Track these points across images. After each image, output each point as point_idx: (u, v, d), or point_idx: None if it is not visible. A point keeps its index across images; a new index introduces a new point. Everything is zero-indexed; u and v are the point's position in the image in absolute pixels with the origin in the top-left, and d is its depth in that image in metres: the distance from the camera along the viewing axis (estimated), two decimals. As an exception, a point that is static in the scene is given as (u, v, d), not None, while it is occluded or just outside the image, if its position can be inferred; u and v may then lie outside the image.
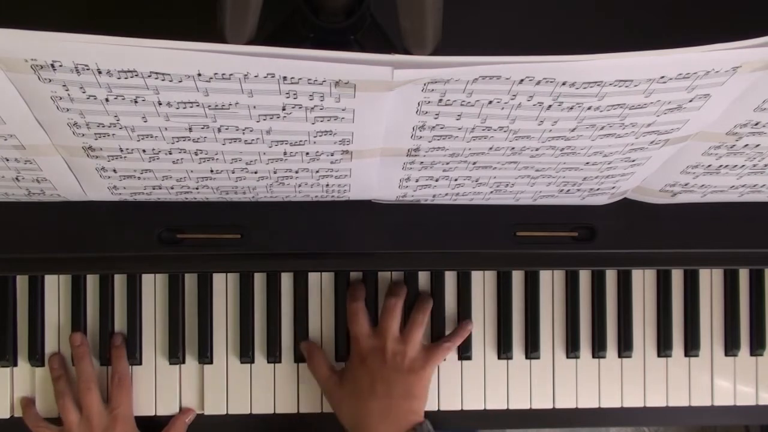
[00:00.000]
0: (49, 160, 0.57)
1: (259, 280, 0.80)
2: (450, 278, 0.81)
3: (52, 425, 0.77)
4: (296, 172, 0.60)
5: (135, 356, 0.78)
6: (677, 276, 0.83)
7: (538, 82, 0.46)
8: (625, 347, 0.82)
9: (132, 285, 0.79)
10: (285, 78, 0.45)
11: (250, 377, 0.79)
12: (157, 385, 0.79)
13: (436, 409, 0.80)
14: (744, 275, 0.84)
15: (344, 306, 0.79)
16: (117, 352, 0.78)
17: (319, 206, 0.71)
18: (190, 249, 0.72)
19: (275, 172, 0.60)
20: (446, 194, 0.68)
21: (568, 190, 0.67)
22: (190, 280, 0.79)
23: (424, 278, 0.81)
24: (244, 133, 0.52)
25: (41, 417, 0.77)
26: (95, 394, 0.76)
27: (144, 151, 0.54)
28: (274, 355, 0.79)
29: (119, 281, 0.79)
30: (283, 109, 0.49)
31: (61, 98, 0.47)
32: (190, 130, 0.51)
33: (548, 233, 0.74)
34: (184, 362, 0.79)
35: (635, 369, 0.82)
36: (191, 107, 0.48)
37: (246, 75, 0.44)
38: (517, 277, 0.82)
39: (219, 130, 0.51)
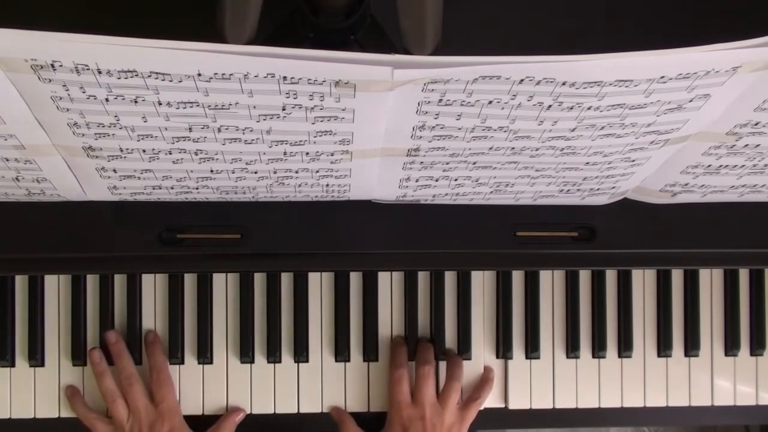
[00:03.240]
0: (49, 160, 0.57)
1: (259, 280, 0.80)
2: (450, 278, 0.81)
3: (103, 416, 0.76)
4: (296, 172, 0.60)
5: (135, 356, 0.78)
6: (677, 276, 0.83)
7: (538, 82, 0.46)
8: (625, 347, 0.82)
9: (132, 285, 0.79)
10: (285, 78, 0.45)
11: (250, 377, 0.79)
12: (157, 385, 0.79)
13: (436, 409, 0.80)
14: (744, 275, 0.84)
15: (344, 306, 0.80)
16: (152, 348, 0.77)
17: (319, 206, 0.71)
18: (190, 249, 0.72)
19: (275, 172, 0.60)
20: (446, 194, 0.68)
21: (568, 190, 0.67)
22: (190, 280, 0.79)
23: (424, 278, 0.81)
24: (244, 133, 0.52)
25: (90, 408, 0.77)
26: (138, 388, 0.75)
27: (144, 151, 0.54)
28: (274, 355, 0.79)
29: (119, 281, 0.79)
30: (283, 109, 0.49)
31: (61, 98, 0.47)
32: (190, 130, 0.51)
33: (548, 233, 0.74)
34: (183, 362, 0.79)
35: (635, 369, 0.82)
36: (191, 107, 0.48)
37: (246, 75, 0.44)
38: (517, 277, 0.82)
39: (219, 130, 0.51)
